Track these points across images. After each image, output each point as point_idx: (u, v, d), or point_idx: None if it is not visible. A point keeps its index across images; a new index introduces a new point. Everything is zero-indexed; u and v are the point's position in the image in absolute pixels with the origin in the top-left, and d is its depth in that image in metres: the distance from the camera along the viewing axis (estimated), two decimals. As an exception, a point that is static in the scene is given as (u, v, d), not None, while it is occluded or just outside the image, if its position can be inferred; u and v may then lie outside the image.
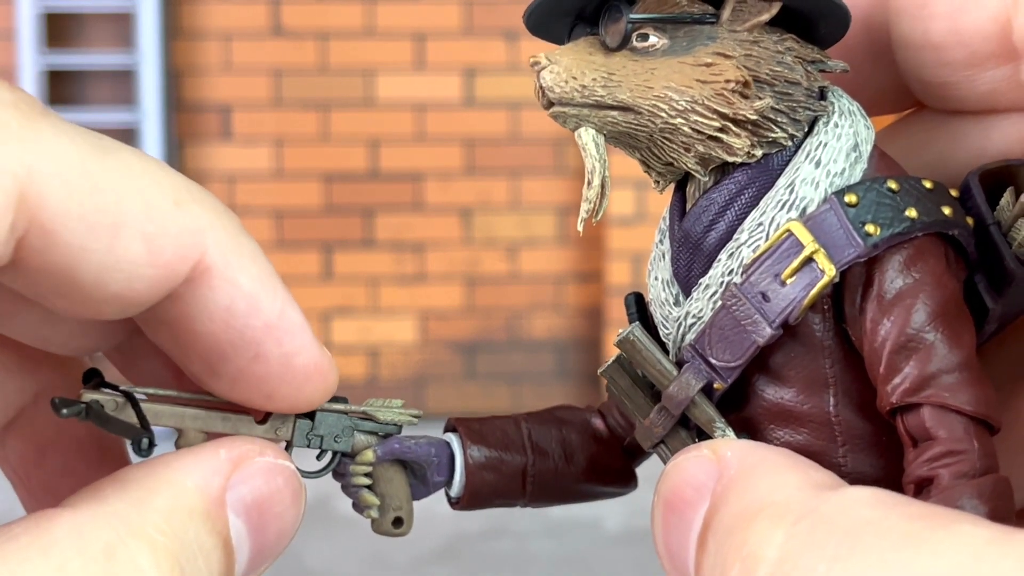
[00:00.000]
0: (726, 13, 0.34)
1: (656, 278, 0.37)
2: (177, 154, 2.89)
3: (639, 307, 0.38)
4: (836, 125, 0.34)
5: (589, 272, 2.96)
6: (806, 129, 0.35)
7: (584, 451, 0.39)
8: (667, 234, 0.37)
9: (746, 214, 0.34)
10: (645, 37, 0.34)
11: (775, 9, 0.34)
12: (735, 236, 0.34)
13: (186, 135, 2.91)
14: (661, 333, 0.36)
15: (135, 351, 0.36)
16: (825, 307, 0.34)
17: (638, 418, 0.36)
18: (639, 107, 0.34)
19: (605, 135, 0.34)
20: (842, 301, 0.33)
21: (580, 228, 0.35)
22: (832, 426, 0.34)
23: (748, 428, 0.35)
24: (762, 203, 0.34)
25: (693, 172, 0.35)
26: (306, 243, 2.93)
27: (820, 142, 0.34)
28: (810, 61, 0.35)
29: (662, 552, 0.32)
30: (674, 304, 0.36)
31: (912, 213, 0.33)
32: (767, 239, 0.34)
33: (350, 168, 2.93)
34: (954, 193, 0.35)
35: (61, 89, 2.85)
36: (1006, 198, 0.35)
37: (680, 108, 0.33)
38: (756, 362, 0.34)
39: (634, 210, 2.81)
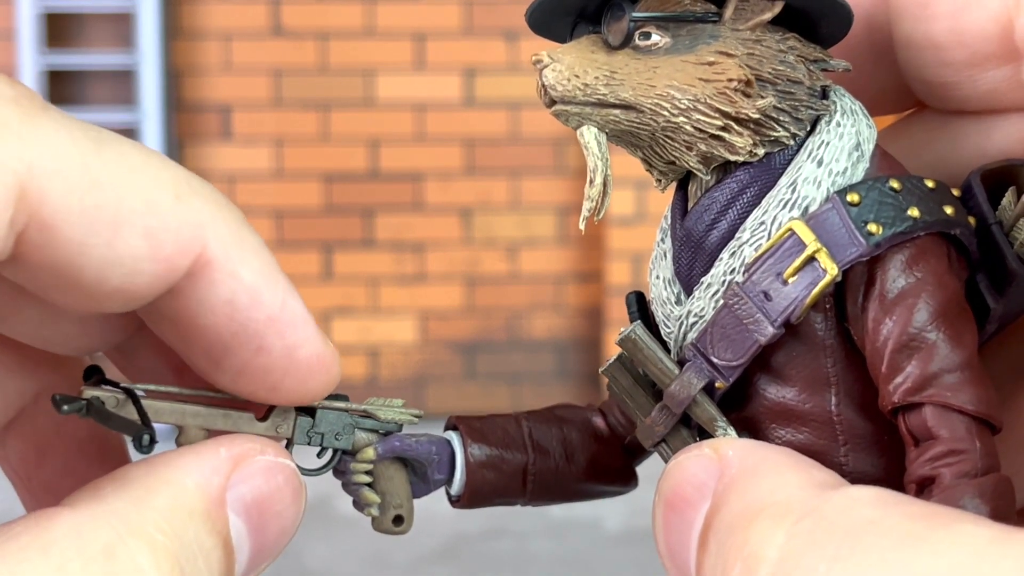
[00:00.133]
0: (728, 12, 0.34)
1: (658, 277, 0.37)
2: (177, 154, 2.88)
3: (640, 306, 0.38)
4: (838, 124, 0.34)
5: (589, 272, 2.95)
6: (808, 128, 0.35)
7: (585, 450, 0.39)
8: (669, 233, 0.37)
9: (748, 213, 0.34)
10: (647, 35, 0.34)
11: (777, 8, 0.34)
12: (737, 235, 0.34)
13: (186, 135, 2.91)
14: (662, 332, 0.36)
15: (135, 350, 0.36)
16: (827, 306, 0.33)
17: (639, 417, 0.36)
18: (641, 105, 0.34)
19: (607, 134, 0.34)
20: (844, 300, 0.33)
21: (582, 226, 0.35)
22: (834, 425, 0.34)
23: (749, 427, 0.35)
24: (764, 202, 0.34)
25: (695, 171, 0.35)
26: (306, 243, 2.93)
27: (822, 141, 0.34)
28: (812, 60, 0.35)
29: (663, 551, 0.32)
30: (676, 303, 0.36)
31: (914, 212, 0.33)
32: (769, 238, 0.34)
33: (350, 168, 2.93)
34: (956, 193, 0.35)
35: (61, 89, 2.85)
36: (1008, 198, 0.35)
37: (682, 107, 0.33)
38: (758, 361, 0.34)
39: (634, 210, 2.81)
